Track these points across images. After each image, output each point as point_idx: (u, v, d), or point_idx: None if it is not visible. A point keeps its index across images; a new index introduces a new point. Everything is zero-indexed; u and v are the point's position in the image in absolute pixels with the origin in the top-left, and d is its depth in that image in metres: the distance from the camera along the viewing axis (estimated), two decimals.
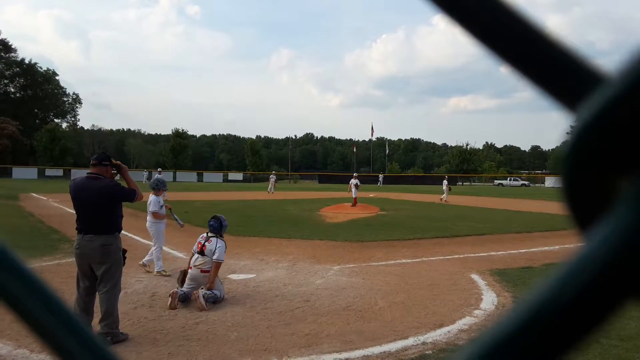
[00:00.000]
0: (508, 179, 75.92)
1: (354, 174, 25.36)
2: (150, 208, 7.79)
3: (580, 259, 0.25)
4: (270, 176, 39.56)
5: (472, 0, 0.28)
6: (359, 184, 22.84)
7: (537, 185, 74.67)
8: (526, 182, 74.32)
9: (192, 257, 6.32)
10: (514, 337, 0.25)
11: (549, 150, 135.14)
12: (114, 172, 5.16)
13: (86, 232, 4.84)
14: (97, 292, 4.88)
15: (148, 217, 7.87)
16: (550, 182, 71.02)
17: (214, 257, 6.13)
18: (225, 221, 6.57)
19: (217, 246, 6.20)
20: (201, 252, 6.16)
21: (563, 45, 0.27)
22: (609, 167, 0.25)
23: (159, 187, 8.09)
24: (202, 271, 6.10)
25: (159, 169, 31.40)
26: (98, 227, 4.85)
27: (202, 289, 5.88)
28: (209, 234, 6.37)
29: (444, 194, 29.71)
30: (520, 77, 0.28)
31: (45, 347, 0.38)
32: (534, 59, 0.28)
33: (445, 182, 31.07)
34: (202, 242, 6.27)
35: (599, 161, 0.25)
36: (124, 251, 5.13)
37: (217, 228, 6.38)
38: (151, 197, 7.92)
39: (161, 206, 7.89)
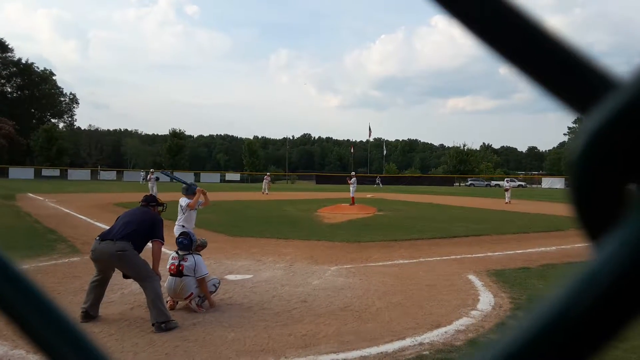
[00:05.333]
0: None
1: (352, 173, 25.02)
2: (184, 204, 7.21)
3: (590, 272, 0.24)
4: (265, 177, 39.27)
5: (478, 2, 0.28)
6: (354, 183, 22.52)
7: (533, 186, 74.74)
8: (523, 183, 74.34)
9: (169, 284, 5.88)
10: (519, 354, 0.25)
11: (545, 151, 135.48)
12: (159, 209, 6.06)
13: (104, 239, 5.34)
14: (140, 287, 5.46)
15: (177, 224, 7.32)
16: (547, 183, 71.10)
17: (197, 275, 5.85)
18: (195, 236, 6.30)
19: (196, 263, 5.91)
20: (179, 274, 5.81)
21: (572, 47, 0.27)
22: (620, 174, 0.24)
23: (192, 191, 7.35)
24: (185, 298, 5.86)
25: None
26: (123, 236, 5.31)
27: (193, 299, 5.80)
28: (181, 252, 6.01)
29: (507, 197, 28.10)
30: (528, 79, 0.27)
31: (38, 350, 0.37)
32: (542, 61, 0.27)
33: (506, 184, 29.22)
34: (177, 262, 5.90)
35: (610, 168, 0.24)
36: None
37: (188, 245, 6.04)
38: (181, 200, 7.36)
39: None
